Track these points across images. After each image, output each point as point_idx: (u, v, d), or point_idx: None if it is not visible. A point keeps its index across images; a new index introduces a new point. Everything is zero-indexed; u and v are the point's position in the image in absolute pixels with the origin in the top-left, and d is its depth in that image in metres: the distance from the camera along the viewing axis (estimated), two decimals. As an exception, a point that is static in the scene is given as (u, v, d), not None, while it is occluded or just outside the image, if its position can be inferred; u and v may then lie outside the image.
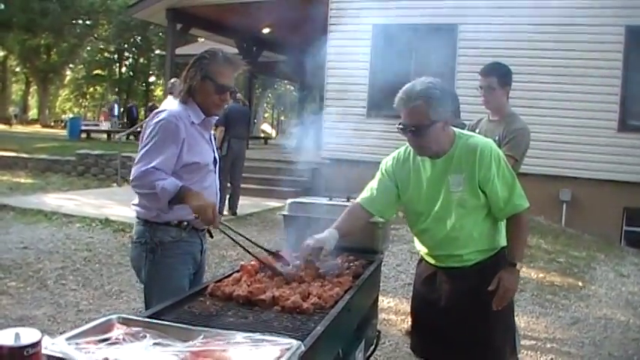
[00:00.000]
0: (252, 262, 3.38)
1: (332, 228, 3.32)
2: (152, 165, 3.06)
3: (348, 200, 4.16)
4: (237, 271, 3.29)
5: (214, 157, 3.47)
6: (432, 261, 3.40)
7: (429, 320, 3.42)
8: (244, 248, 3.41)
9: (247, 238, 3.45)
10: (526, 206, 3.19)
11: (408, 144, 3.33)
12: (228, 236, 3.32)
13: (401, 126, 3.15)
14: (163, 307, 2.59)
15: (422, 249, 3.45)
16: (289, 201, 4.28)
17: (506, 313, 3.34)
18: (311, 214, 4.00)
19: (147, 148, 3.13)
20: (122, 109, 33.43)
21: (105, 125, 31.68)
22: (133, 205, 3.39)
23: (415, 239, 3.49)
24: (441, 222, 3.22)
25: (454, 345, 3.27)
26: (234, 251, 8.29)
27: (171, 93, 8.64)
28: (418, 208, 3.30)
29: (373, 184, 3.44)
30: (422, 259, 3.56)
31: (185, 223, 3.31)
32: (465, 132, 3.33)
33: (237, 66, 3.38)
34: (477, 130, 4.67)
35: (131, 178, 3.11)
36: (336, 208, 3.99)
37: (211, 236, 3.60)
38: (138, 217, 3.38)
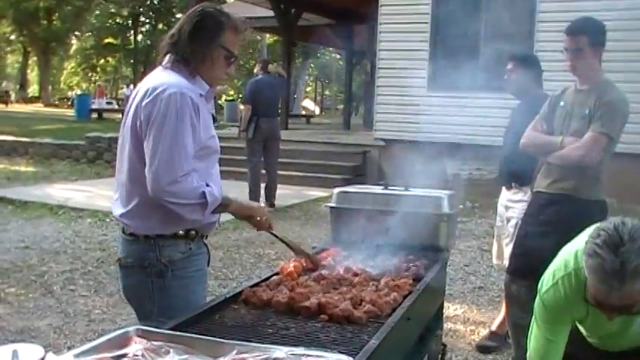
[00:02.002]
0: (295, 263, 3.41)
1: None
2: (187, 167, 2.87)
3: (406, 189, 4.14)
4: (277, 274, 3.31)
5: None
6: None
7: None
8: (292, 248, 3.46)
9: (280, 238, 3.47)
10: None
11: (568, 270, 2.89)
12: (280, 239, 3.40)
13: (613, 312, 2.65)
14: (189, 317, 2.61)
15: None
16: (336, 190, 4.28)
17: None
18: (362, 206, 4.00)
19: (164, 139, 2.85)
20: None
21: (98, 103, 31.89)
22: (121, 217, 3.10)
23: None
24: (611, 341, 3.15)
25: None
26: (273, 249, 8.34)
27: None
28: (588, 336, 3.22)
29: (546, 335, 3.02)
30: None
31: (193, 232, 3.12)
32: None
33: (245, 28, 3.16)
34: (562, 103, 4.59)
35: (159, 186, 2.84)
36: (392, 198, 3.98)
37: (205, 237, 3.37)
38: (131, 234, 3.09)
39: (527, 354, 3.10)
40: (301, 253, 3.50)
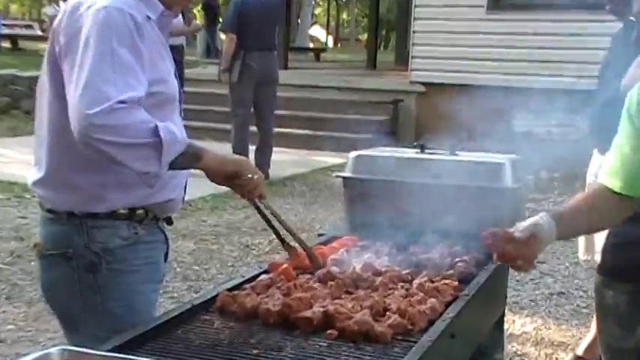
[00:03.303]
0: (297, 254, 3.44)
1: (548, 215, 3.18)
2: (130, 92, 2.75)
3: (452, 153, 4.14)
4: (266, 272, 3.33)
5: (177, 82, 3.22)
6: None
7: None
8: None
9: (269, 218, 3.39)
10: None
11: None
12: (265, 218, 3.33)
13: None
14: (139, 332, 2.63)
15: None
16: (354, 155, 4.28)
17: None
18: (390, 177, 4.00)
19: (92, 58, 2.75)
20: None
21: None
22: (35, 185, 3.11)
23: None
24: None
25: None
26: (266, 237, 8.35)
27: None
28: None
29: (620, 142, 3.26)
30: None
31: (141, 212, 3.10)
32: None
33: None
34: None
35: (86, 119, 2.68)
36: (432, 166, 3.98)
37: (169, 224, 3.38)
38: (50, 211, 3.10)
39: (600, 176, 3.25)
40: (288, 247, 3.43)
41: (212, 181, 3.04)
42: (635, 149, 3.14)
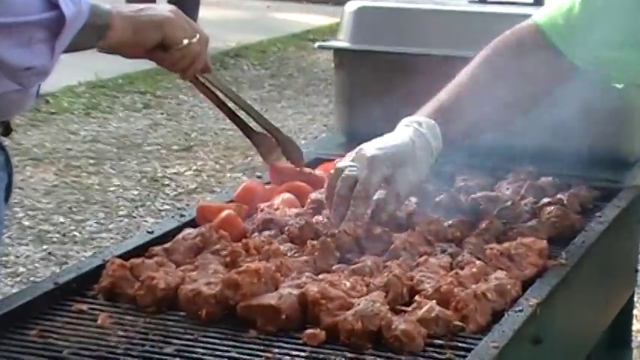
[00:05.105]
0: (246, 188, 3.53)
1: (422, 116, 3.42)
2: None
3: (539, 2, 4.16)
4: (193, 224, 3.37)
5: None
6: None
7: None
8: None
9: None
10: None
11: None
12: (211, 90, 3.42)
13: None
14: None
15: None
16: (353, 7, 4.27)
17: None
18: (425, 48, 4.00)
19: None
20: None
21: None
22: None
23: None
24: None
25: None
26: (189, 162, 8.37)
27: None
28: None
29: None
30: None
31: None
32: None
33: None
34: None
35: None
36: (491, 22, 3.97)
37: (6, 134, 3.39)
38: None
39: None
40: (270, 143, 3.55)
41: (126, 57, 3.11)
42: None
